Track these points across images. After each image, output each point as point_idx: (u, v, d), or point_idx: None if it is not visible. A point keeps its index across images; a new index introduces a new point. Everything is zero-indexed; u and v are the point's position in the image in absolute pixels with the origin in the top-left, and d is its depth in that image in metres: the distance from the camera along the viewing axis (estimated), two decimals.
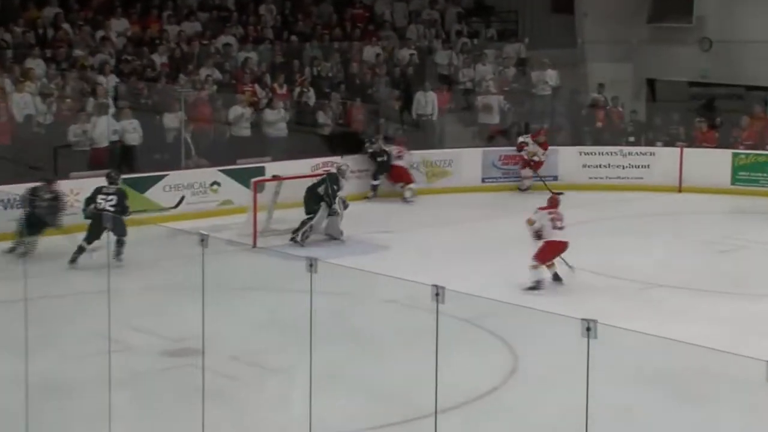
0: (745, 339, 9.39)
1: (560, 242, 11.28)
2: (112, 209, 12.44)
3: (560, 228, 11.30)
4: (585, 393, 5.46)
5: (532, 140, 17.61)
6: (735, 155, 17.81)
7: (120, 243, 12.13)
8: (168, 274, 11.95)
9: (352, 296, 10.76)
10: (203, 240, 6.80)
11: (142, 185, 14.93)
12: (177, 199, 14.06)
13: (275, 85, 17.67)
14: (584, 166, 18.25)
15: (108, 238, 11.92)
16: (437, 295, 5.84)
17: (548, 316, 9.72)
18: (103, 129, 15.33)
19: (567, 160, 18.09)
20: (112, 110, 15.68)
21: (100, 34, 17.44)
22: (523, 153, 17.63)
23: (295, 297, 6.71)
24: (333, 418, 7.61)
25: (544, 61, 19.76)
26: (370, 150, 16.86)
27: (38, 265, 11.82)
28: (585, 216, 15.91)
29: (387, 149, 17.05)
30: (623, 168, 18.34)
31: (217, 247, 8.34)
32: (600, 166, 18.31)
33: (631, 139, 19.01)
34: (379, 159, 16.91)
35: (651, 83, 21.29)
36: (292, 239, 13.51)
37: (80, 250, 12.21)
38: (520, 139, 17.79)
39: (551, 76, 19.66)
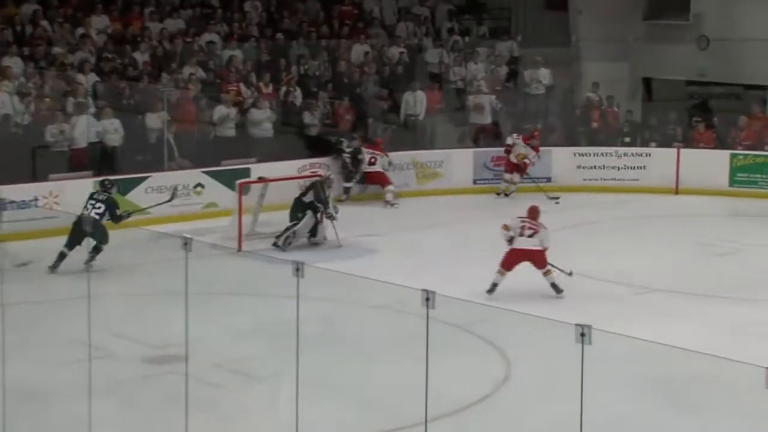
0: (744, 344, 9.41)
1: (522, 249, 11.28)
2: (96, 217, 12.41)
3: (528, 236, 11.33)
4: (579, 401, 5.48)
5: (525, 142, 17.39)
6: (733, 156, 17.87)
7: (96, 249, 12.07)
8: (150, 279, 11.93)
9: (339, 301, 10.76)
10: (186, 243, 6.79)
11: (124, 187, 14.88)
12: (169, 194, 13.99)
13: (261, 85, 17.66)
14: (579, 167, 18.29)
15: (89, 243, 11.92)
16: (427, 300, 5.85)
17: (541, 322, 9.77)
18: (82, 129, 15.30)
19: (561, 161, 18.13)
20: (92, 110, 15.65)
21: (79, 31, 17.40)
22: (510, 156, 17.37)
23: (282, 302, 6.71)
24: (320, 427, 7.61)
25: (537, 59, 19.80)
26: (348, 149, 16.72)
27: (15, 270, 11.79)
28: (579, 218, 15.97)
29: (361, 153, 16.94)
30: (619, 169, 18.38)
31: (200, 250, 8.34)
32: (595, 167, 18.35)
33: (627, 139, 19.05)
34: (359, 156, 16.80)
35: (647, 82, 21.34)
36: (275, 244, 13.50)
37: (62, 256, 12.16)
38: (509, 140, 17.59)
39: (545, 74, 19.70)
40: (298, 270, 6.26)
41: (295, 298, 6.39)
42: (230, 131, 16.70)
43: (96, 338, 7.65)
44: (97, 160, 15.34)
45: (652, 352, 8.08)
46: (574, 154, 18.40)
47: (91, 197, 12.73)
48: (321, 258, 12.84)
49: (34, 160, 14.97)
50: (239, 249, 13.40)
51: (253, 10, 19.76)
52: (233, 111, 16.76)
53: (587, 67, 20.84)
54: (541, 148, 17.66)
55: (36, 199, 14.22)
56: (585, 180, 17.98)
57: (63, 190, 14.36)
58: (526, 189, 17.38)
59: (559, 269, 11.46)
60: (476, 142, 18.85)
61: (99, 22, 17.82)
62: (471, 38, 21.16)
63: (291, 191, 15.22)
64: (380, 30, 20.58)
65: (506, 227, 11.43)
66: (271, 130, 17.09)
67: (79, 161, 15.13)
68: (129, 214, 12.89)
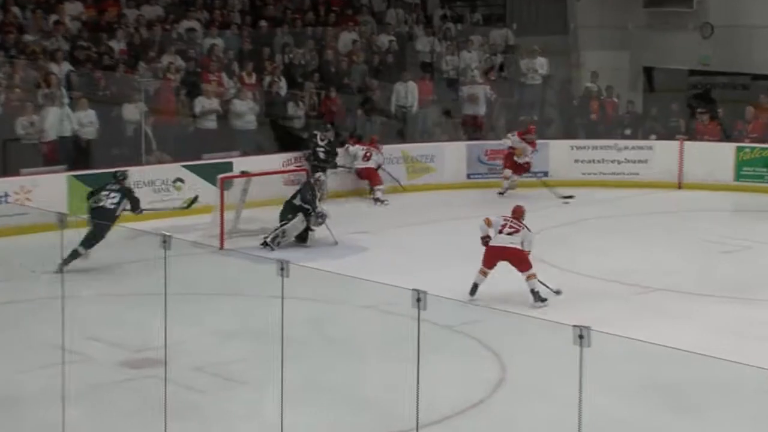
0: (749, 346, 9.47)
1: (500, 247, 11.17)
2: (111, 206, 12.49)
3: (507, 233, 11.22)
4: (578, 405, 5.50)
5: (520, 138, 17.26)
6: (739, 149, 17.93)
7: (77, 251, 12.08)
8: (127, 279, 11.93)
9: (327, 302, 10.77)
10: (166, 241, 6.80)
11: (99, 182, 14.86)
12: (187, 201, 14.05)
13: (243, 74, 17.66)
14: (576, 161, 18.34)
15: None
16: (419, 300, 5.87)
17: (538, 323, 9.83)
18: (54, 121, 15.27)
19: (558, 155, 18.18)
20: (65, 101, 15.62)
21: (52, 18, 17.36)
22: (515, 157, 17.25)
23: (266, 303, 6.72)
24: None
25: (533, 48, 19.83)
26: (322, 141, 16.57)
27: None
28: (577, 215, 16.01)
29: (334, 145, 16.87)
30: (618, 163, 18.44)
31: (180, 249, 8.33)
32: (593, 161, 18.41)
33: (627, 131, 19.11)
34: (334, 149, 16.64)
35: (648, 72, 21.41)
36: (264, 244, 13.49)
37: (75, 254, 12.07)
38: (508, 142, 17.31)
39: (541, 64, 19.73)
40: (282, 269, 6.27)
41: (280, 298, 6.39)
42: (211, 123, 16.70)
43: (70, 341, 7.65)
44: (70, 153, 15.31)
45: (653, 354, 8.09)
46: (572, 148, 18.44)
47: (103, 188, 12.82)
48: (308, 257, 12.85)
49: (5, 154, 14.95)
50: (221, 247, 13.40)
51: None
52: (214, 102, 16.75)
53: (586, 56, 20.90)
54: (538, 141, 17.65)
55: (6, 195, 14.20)
56: (583, 174, 18.03)
57: (36, 185, 14.33)
58: (530, 184, 17.24)
59: (546, 286, 11.27)
60: (465, 131, 18.85)
61: (73, 8, 17.78)
62: (464, 26, 21.20)
63: (275, 186, 15.25)
64: (369, 17, 20.60)
65: (488, 222, 11.36)
66: (255, 122, 17.10)
67: (52, 155, 15.10)
68: (141, 211, 12.96)
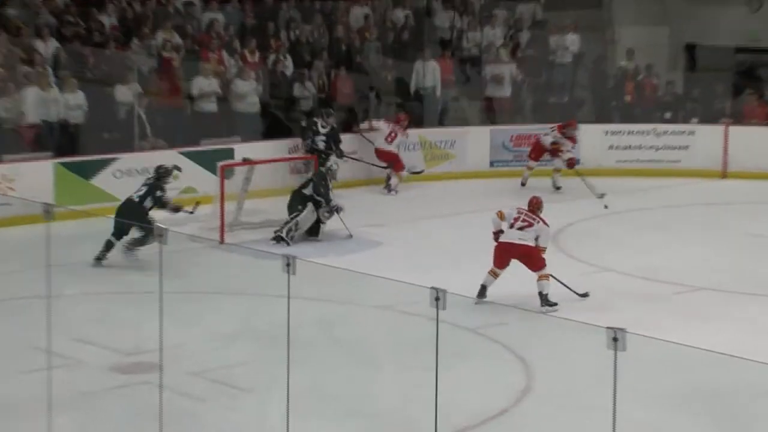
0: None
1: (509, 243, 11.01)
2: (136, 199, 12.58)
3: (518, 228, 11.04)
4: (612, 415, 5.50)
5: (560, 132, 16.93)
6: None
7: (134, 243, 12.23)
8: (119, 276, 11.96)
9: (337, 301, 10.78)
10: (161, 235, 6.82)
11: (87, 170, 14.93)
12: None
13: (246, 52, 17.67)
14: (611, 147, 18.30)
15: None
16: (437, 299, 5.87)
17: (568, 325, 9.83)
18: (34, 102, 15.25)
19: (590, 141, 18.12)
20: (52, 81, 15.65)
21: None
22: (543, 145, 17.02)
23: (271, 302, 6.75)
24: None
25: (564, 23, 19.78)
26: (324, 129, 16.17)
27: None
28: (612, 207, 15.97)
29: (374, 127, 16.90)
30: (657, 149, 18.39)
31: (177, 243, 8.36)
32: (630, 147, 18.36)
33: (667, 115, 19.05)
34: (337, 138, 16.28)
35: (690, 49, 21.33)
36: (277, 238, 13.46)
37: (108, 245, 12.22)
38: (545, 138, 16.96)
39: (572, 41, 19.68)
40: (288, 265, 6.28)
41: (285, 297, 6.41)
42: (211, 106, 16.71)
43: (57, 344, 7.68)
44: (56, 138, 15.34)
45: (694, 358, 8.10)
46: (606, 133, 18.40)
47: (145, 182, 12.99)
48: (316, 252, 12.87)
49: None
50: (222, 241, 13.42)
51: None
52: (214, 83, 16.76)
53: (621, 32, 20.83)
54: (576, 142, 17.12)
55: None
56: (618, 162, 17.99)
57: (19, 173, 14.38)
58: (597, 173, 17.03)
59: (569, 289, 11.13)
60: (489, 115, 18.81)
61: None
62: None
63: (281, 175, 15.27)
64: None
65: (501, 215, 11.23)
66: (258, 105, 17.10)
67: (34, 140, 15.13)
68: (177, 209, 12.89)
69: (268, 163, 14.80)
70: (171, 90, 16.75)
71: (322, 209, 13.72)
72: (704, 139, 18.23)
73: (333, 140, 16.24)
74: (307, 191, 13.80)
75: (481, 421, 8.30)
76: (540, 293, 10.91)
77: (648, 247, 13.66)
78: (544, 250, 11.15)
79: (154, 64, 16.95)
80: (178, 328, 8.31)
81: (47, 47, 16.23)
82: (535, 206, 11.33)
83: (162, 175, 12.95)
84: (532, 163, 17.17)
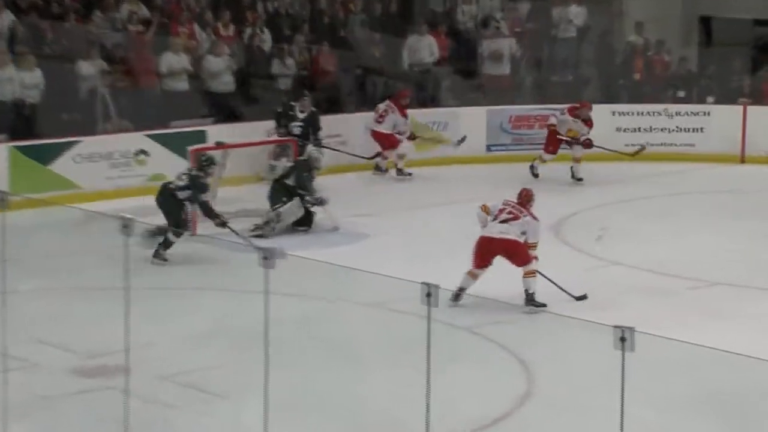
0: None
1: (489, 238, 10.82)
2: (175, 190, 12.53)
3: (501, 221, 10.86)
4: (619, 421, 5.53)
5: (571, 115, 16.76)
6: None
7: (162, 241, 12.23)
8: (81, 271, 11.94)
9: (321, 298, 10.80)
10: (127, 226, 6.81)
11: (45, 155, 14.90)
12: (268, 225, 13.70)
13: (219, 26, 17.64)
14: (618, 129, 18.33)
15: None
16: (429, 295, 5.89)
17: (572, 324, 9.83)
18: None
19: (597, 122, 18.03)
20: (7, 57, 15.60)
21: None
22: (562, 137, 16.75)
23: (248, 299, 6.74)
24: None
25: None
26: (302, 114, 16.05)
27: None
28: (619, 194, 16.01)
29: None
30: (669, 132, 18.43)
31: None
32: (639, 129, 18.40)
33: (680, 94, 19.09)
34: (317, 123, 16.14)
35: (705, 22, 21.36)
36: (256, 234, 13.41)
37: (166, 242, 12.24)
38: (552, 120, 16.84)
39: (576, 13, 19.70)
40: (266, 259, 6.28)
41: (263, 293, 6.41)
42: (181, 84, 16.69)
43: (13, 345, 7.67)
44: (9, 120, 15.29)
45: (708, 359, 8.13)
46: (613, 113, 18.43)
47: (185, 171, 12.92)
48: (298, 244, 12.86)
49: None
50: (193, 233, 13.41)
51: None
52: (184, 59, 16.74)
53: (630, 4, 20.85)
54: (593, 126, 16.87)
55: None
56: (626, 145, 18.00)
57: None
58: (603, 157, 16.95)
59: (563, 290, 11.01)
60: (486, 95, 18.83)
61: None
62: None
63: (258, 160, 15.26)
64: None
65: (486, 209, 11.05)
66: (233, 83, 17.08)
67: None
68: (221, 222, 12.71)
69: (244, 147, 14.78)
70: (139, 67, 16.71)
71: (307, 201, 13.68)
72: (720, 121, 18.27)
73: (312, 126, 16.07)
74: (291, 181, 13.76)
75: (477, 427, 8.32)
76: (526, 291, 10.75)
77: (659, 239, 13.69)
78: (534, 247, 10.94)
79: (120, 38, 16.91)
80: (145, 327, 8.29)
81: (1, 20, 16.18)
82: (525, 199, 11.16)
83: (203, 165, 12.81)
84: (547, 156, 16.82)
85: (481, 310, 10.59)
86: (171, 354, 9.62)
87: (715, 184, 16.81)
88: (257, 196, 13.97)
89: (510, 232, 10.86)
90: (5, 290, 7.50)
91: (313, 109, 16.21)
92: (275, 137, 16.11)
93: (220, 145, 14.51)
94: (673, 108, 18.57)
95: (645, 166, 17.47)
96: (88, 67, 16.00)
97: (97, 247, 12.16)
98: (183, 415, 8.60)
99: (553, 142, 16.83)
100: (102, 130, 15.79)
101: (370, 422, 8.43)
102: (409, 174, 16.86)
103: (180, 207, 12.56)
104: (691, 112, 18.54)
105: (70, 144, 15.12)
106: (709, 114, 18.45)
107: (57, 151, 15.00)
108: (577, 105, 17.00)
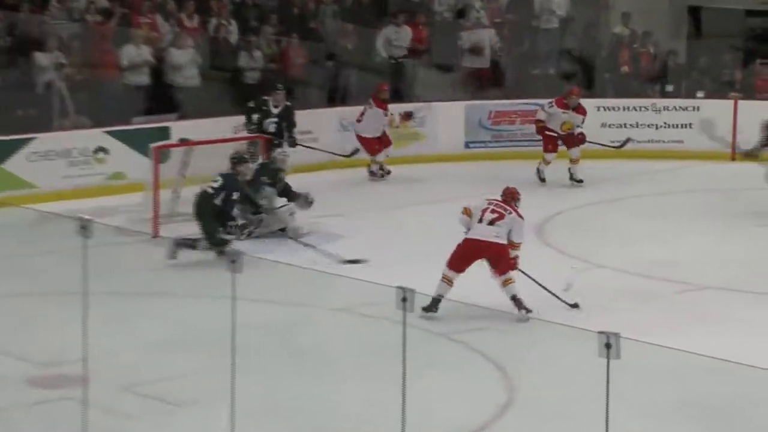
0: None
1: (474, 240, 10.68)
2: (210, 191, 12.47)
3: (487, 222, 10.71)
4: (604, 430, 5.55)
5: (560, 107, 16.58)
6: None
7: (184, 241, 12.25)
8: (36, 275, 11.90)
9: (290, 303, 10.78)
10: (85, 227, 6.80)
11: None
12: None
13: (183, 16, 17.61)
14: (603, 125, 18.37)
15: None
16: (404, 300, 5.90)
17: (555, 330, 9.87)
18: None
19: None
20: None
21: None
22: (552, 132, 16.58)
23: (214, 305, 6.74)
24: None
25: None
26: (276, 108, 15.81)
27: None
28: (605, 194, 16.04)
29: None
30: (657, 128, 18.49)
31: (104, 236, 8.32)
32: (625, 125, 18.45)
33: (669, 88, 19.15)
34: (291, 119, 15.99)
35: (695, 12, 21.43)
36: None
37: (192, 246, 12.23)
38: (541, 115, 16.67)
39: (559, 3, 19.76)
40: (234, 262, 6.29)
41: (230, 299, 6.41)
42: (142, 78, 16.65)
43: None
44: None
45: (698, 367, 8.17)
46: (598, 108, 18.46)
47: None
48: (266, 247, 12.85)
49: None
50: (155, 235, 13.39)
51: None
52: (146, 51, 16.70)
53: None
54: (586, 113, 16.85)
55: None
56: (612, 141, 18.06)
57: None
58: (587, 155, 16.89)
59: (559, 299, 10.94)
60: (465, 89, 18.84)
61: None
62: None
63: (225, 158, 15.21)
64: None
65: (467, 211, 10.88)
66: (197, 77, 17.05)
67: None
68: (256, 221, 12.93)
69: (210, 144, 14.75)
70: (98, 60, 16.66)
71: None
72: (711, 116, 18.31)
73: (286, 122, 15.87)
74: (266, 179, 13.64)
75: None
76: (513, 297, 10.62)
77: (646, 240, 13.73)
78: (518, 246, 10.89)
79: (77, 29, 16.86)
80: (105, 334, 8.29)
81: None
82: (509, 197, 11.04)
83: (235, 163, 12.76)
84: (549, 156, 16.62)
85: (458, 315, 10.59)
86: (132, 362, 9.59)
87: (705, 182, 16.88)
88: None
89: (501, 234, 10.73)
90: None
91: (288, 103, 16.05)
92: (244, 134, 16.07)
93: (184, 142, 14.49)
94: (661, 103, 18.64)
95: (631, 164, 17.53)
96: (44, 60, 15.94)
97: (53, 249, 12.17)
98: (144, 427, 8.59)
99: (548, 140, 16.64)
100: (59, 127, 15.74)
101: (341, 431, 8.44)
102: (388, 172, 16.80)
103: (213, 211, 12.42)
104: (680, 107, 18.60)
105: (24, 141, 15.05)
106: (698, 109, 18.51)
107: (10, 148, 14.93)
108: (565, 93, 16.87)
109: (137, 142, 15.26)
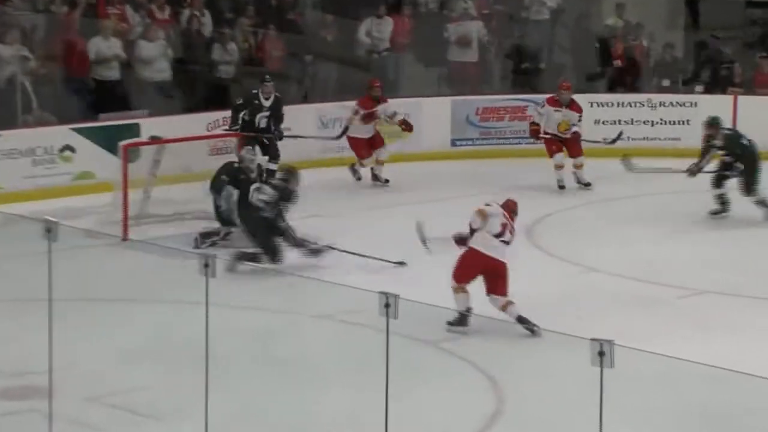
0: None
1: (488, 258, 10.50)
2: (260, 204, 12.38)
3: (505, 242, 10.58)
4: None
5: (552, 104, 16.37)
6: None
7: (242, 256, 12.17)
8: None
9: (267, 309, 10.77)
10: (50, 230, 6.79)
11: None
12: None
13: (153, 7, 17.58)
14: (597, 122, 18.39)
15: None
16: (387, 306, 5.90)
17: (546, 337, 9.89)
18: None
19: None
20: None
21: None
22: (548, 134, 16.34)
23: (186, 311, 6.74)
24: None
25: None
26: (268, 101, 15.57)
27: None
28: (599, 194, 16.06)
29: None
30: (652, 125, 18.52)
31: (71, 239, 8.30)
32: (618, 122, 18.47)
33: (665, 83, 19.19)
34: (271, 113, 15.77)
35: (692, 3, 21.47)
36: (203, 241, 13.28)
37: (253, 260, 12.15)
38: (535, 117, 16.50)
39: None
40: (207, 266, 6.28)
41: (204, 305, 6.41)
42: (111, 73, 16.62)
43: None
44: None
45: (695, 375, 8.18)
46: (591, 104, 18.47)
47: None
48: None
49: None
50: (125, 237, 13.36)
51: None
52: (115, 44, 16.67)
53: None
54: (582, 111, 16.68)
55: None
56: (605, 138, 18.08)
57: None
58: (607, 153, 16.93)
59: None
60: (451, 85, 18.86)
61: None
62: None
63: (198, 156, 15.19)
64: None
65: (483, 214, 10.65)
66: (169, 71, 17.04)
67: None
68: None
69: (182, 141, 14.73)
70: (64, 53, 16.62)
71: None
72: (709, 112, 18.29)
73: (275, 116, 15.70)
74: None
75: None
76: (519, 317, 10.47)
77: (642, 243, 13.76)
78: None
79: (41, 21, 16.82)
80: (71, 343, 8.27)
81: None
82: (512, 210, 10.88)
83: (286, 174, 12.77)
84: (557, 158, 16.36)
85: (445, 323, 10.59)
86: (100, 372, 9.56)
87: (703, 182, 16.88)
88: (196, 198, 13.90)
89: (506, 253, 10.60)
90: None
91: (277, 94, 15.80)
92: (219, 132, 16.07)
93: (154, 140, 14.47)
94: (657, 98, 18.66)
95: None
96: (6, 52, 15.89)
97: (17, 253, 12.14)
98: None
99: (548, 143, 16.41)
100: (22, 123, 15.69)
101: None
102: (386, 181, 16.61)
103: (269, 229, 12.34)
104: (677, 103, 18.64)
105: None
106: (696, 105, 18.54)
107: None
108: (558, 89, 16.68)
109: (106, 139, 15.23)
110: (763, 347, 10.29)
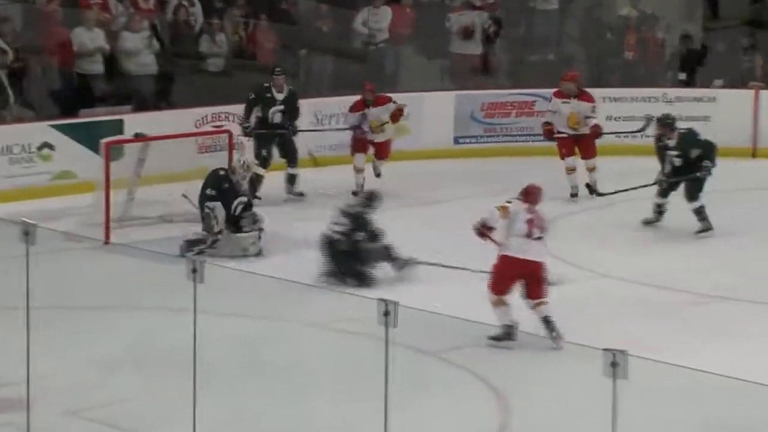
0: None
1: (523, 261, 10.41)
2: (335, 236, 12.23)
3: (536, 238, 10.46)
4: None
5: (559, 97, 16.05)
6: None
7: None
8: None
9: (258, 317, 10.77)
10: (28, 232, 6.78)
11: None
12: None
13: None
14: (609, 117, 18.32)
15: None
16: (386, 314, 5.90)
17: (556, 346, 9.87)
18: None
19: None
20: None
21: None
22: (563, 133, 16.00)
23: (172, 318, 6.73)
24: None
25: None
26: (281, 95, 15.41)
27: None
28: (609, 197, 16.05)
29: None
30: None
31: (49, 242, 8.31)
32: (633, 117, 18.44)
33: (681, 76, 19.19)
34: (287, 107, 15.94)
35: None
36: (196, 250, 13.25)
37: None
38: (547, 115, 16.19)
39: None
40: (195, 271, 6.28)
41: (191, 311, 6.40)
42: (94, 66, 16.62)
43: None
44: None
45: (712, 386, 8.18)
46: (602, 99, 18.42)
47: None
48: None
49: None
50: (107, 240, 13.36)
51: None
52: (98, 36, 16.67)
53: None
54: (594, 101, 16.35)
55: None
56: (618, 137, 18.09)
57: None
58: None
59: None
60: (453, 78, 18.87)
61: None
62: None
63: (185, 155, 15.19)
64: None
65: (505, 210, 10.56)
66: (154, 64, 17.04)
67: None
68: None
69: (168, 139, 14.73)
70: (43, 46, 16.62)
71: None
72: (728, 108, 18.36)
73: (290, 111, 15.52)
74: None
75: None
76: (545, 319, 10.42)
77: (655, 248, 13.77)
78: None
79: (18, 11, 16.83)
80: (49, 352, 8.27)
81: None
82: (536, 199, 10.63)
83: (367, 201, 12.65)
84: (568, 162, 16.13)
85: (448, 332, 10.58)
86: (80, 383, 9.56)
87: (722, 181, 16.86)
88: (181, 198, 13.89)
89: (542, 253, 10.51)
90: None
91: (291, 87, 15.67)
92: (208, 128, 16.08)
93: (139, 138, 14.47)
94: (673, 93, 18.63)
95: (639, 161, 17.47)
96: None
97: None
98: None
99: (560, 144, 16.13)
100: None
101: None
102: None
103: (352, 257, 12.20)
104: (695, 98, 18.60)
105: None
106: (714, 100, 18.53)
107: None
108: (563, 79, 16.40)
109: (87, 136, 15.23)
110: None
